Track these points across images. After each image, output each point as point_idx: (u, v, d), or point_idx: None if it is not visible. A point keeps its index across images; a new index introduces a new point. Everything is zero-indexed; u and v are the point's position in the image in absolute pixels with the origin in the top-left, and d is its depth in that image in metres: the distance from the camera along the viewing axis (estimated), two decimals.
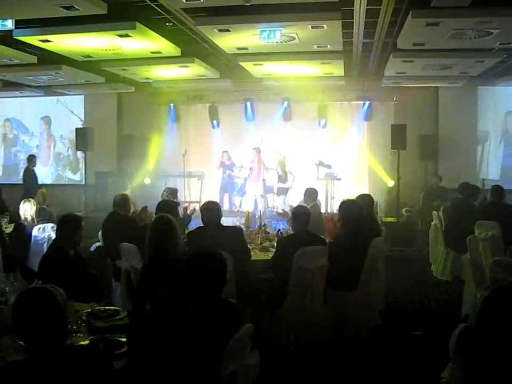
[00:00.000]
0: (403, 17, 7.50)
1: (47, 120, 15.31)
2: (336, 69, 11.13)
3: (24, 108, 15.49)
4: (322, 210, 10.12)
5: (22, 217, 7.16)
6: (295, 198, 11.98)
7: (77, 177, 14.99)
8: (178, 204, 6.64)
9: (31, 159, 13.16)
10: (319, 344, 5.60)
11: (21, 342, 3.06)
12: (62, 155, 15.23)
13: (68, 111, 15.12)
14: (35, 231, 7.08)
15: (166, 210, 5.63)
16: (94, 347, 2.77)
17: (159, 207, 6.33)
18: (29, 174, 12.99)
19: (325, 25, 7.67)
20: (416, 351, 5.70)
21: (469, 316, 6.11)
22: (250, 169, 13.02)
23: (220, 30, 8.02)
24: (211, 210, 5.88)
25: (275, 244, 6.38)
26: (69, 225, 4.89)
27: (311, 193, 8.04)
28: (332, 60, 10.27)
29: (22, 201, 7.25)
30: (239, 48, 9.37)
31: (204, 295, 3.09)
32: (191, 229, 6.25)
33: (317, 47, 9.18)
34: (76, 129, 13.64)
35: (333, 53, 9.75)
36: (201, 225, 6.00)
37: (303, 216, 5.88)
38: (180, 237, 4.51)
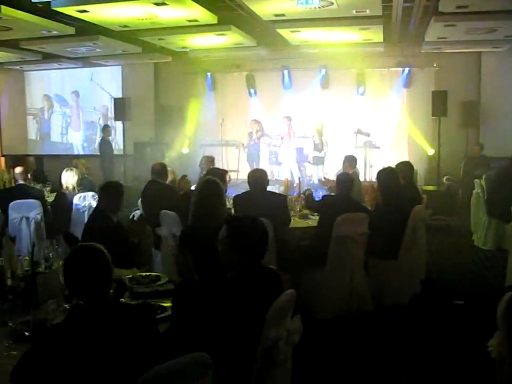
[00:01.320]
0: None
1: (76, 93, 15.82)
2: (375, 34, 10.88)
3: (64, 82, 15.92)
4: (361, 178, 10.01)
5: (64, 186, 7.25)
6: (331, 167, 11.94)
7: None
8: (226, 172, 6.62)
9: (106, 129, 13.51)
10: (359, 313, 5.57)
11: (66, 306, 3.13)
12: (94, 123, 15.73)
13: (99, 87, 15.49)
14: (76, 200, 7.18)
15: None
16: (142, 306, 2.81)
17: (207, 174, 6.34)
18: (105, 143, 13.44)
19: None
20: (458, 320, 5.63)
21: None
22: (282, 138, 12.97)
23: None
24: (257, 177, 5.92)
25: (315, 212, 6.38)
26: (113, 192, 5.00)
27: (351, 160, 7.95)
28: (371, 25, 10.03)
29: (64, 170, 7.34)
30: (276, 15, 9.25)
31: (245, 261, 3.06)
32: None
33: (356, 12, 8.98)
34: (114, 99, 13.75)
35: (372, 18, 9.54)
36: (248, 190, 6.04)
37: (347, 183, 5.84)
38: (225, 203, 4.46)
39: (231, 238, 3.12)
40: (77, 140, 15.99)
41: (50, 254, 3.86)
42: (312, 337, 4.61)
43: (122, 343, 2.38)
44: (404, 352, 4.93)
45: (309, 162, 12.75)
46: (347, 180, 5.95)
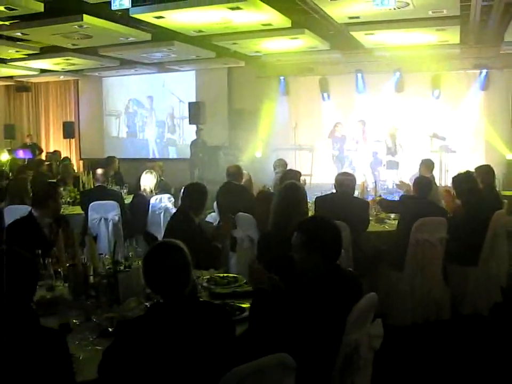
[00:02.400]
0: None
1: (150, 98, 16.55)
2: (452, 35, 10.60)
3: (139, 88, 16.62)
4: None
5: (142, 188, 7.38)
6: (405, 172, 11.69)
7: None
8: (300, 174, 6.58)
9: (199, 131, 13.86)
10: (437, 321, 5.41)
11: (147, 304, 3.18)
12: (164, 122, 16.50)
13: (170, 92, 16.16)
14: (152, 201, 7.31)
15: (290, 179, 5.54)
16: (221, 306, 2.82)
17: (283, 176, 6.35)
18: (196, 145, 13.82)
19: None
20: None
21: None
22: (357, 142, 12.89)
23: None
24: (347, 180, 5.86)
25: (391, 216, 6.27)
26: (198, 194, 4.99)
27: (428, 164, 7.79)
28: (448, 26, 9.79)
29: (144, 173, 7.48)
30: (350, 17, 9.16)
31: (322, 263, 3.01)
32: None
33: (432, 12, 8.80)
34: (189, 103, 14.00)
35: (449, 19, 9.31)
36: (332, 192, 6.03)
37: (425, 185, 5.72)
38: (307, 209, 4.33)
39: (304, 241, 3.07)
40: (151, 136, 16.78)
41: (130, 254, 3.94)
42: (387, 344, 4.51)
43: (200, 340, 2.39)
44: (483, 364, 4.73)
45: (384, 166, 12.56)
46: (425, 182, 5.83)
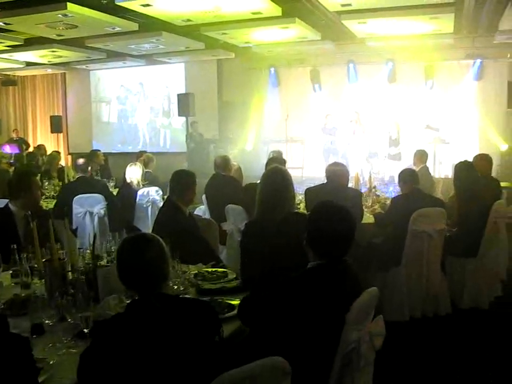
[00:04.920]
0: None
1: (141, 85, 16.37)
2: (446, 24, 10.41)
3: (130, 76, 16.36)
4: None
5: (128, 181, 7.17)
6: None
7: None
8: (285, 161, 6.37)
9: (193, 124, 13.76)
10: (435, 316, 5.24)
11: (128, 301, 2.94)
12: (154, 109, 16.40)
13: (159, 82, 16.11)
14: (139, 194, 7.10)
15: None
16: (205, 302, 2.61)
17: (268, 162, 6.15)
18: (191, 138, 13.68)
19: None
20: None
21: None
22: (353, 132, 12.74)
23: None
24: (335, 170, 5.65)
25: (386, 206, 6.08)
26: (183, 180, 4.63)
27: (421, 155, 7.64)
28: (442, 14, 9.58)
29: (129, 165, 7.26)
30: (343, 5, 8.92)
31: (327, 255, 2.76)
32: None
33: None
34: (178, 94, 13.77)
35: (444, 6, 9.10)
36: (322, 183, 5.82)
37: (409, 176, 5.51)
38: (293, 196, 3.99)
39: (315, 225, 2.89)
40: (142, 122, 16.48)
41: (113, 248, 3.71)
42: (384, 341, 4.29)
43: (180, 340, 2.20)
44: (483, 360, 4.53)
45: (384, 157, 12.42)
46: (408, 173, 5.63)
